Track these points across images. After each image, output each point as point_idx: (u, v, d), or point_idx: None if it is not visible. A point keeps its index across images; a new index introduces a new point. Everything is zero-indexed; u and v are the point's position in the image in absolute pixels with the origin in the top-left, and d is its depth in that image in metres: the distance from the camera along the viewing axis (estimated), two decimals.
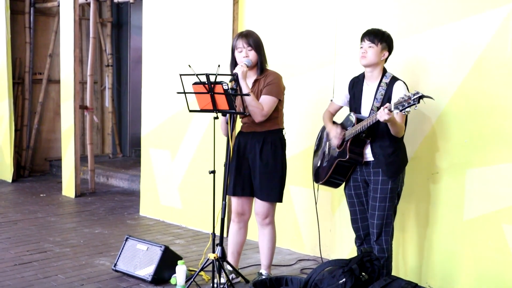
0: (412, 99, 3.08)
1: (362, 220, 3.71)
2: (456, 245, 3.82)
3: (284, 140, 3.88)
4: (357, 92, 3.63)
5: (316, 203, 4.23)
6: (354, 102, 3.64)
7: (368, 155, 3.55)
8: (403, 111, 3.13)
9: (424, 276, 3.97)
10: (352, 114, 3.61)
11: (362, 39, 3.55)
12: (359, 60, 3.56)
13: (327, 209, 4.48)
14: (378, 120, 3.28)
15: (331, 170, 3.64)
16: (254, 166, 3.80)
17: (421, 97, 3.08)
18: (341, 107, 3.82)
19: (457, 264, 3.82)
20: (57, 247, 4.81)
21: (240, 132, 3.83)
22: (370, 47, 3.50)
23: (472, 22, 3.70)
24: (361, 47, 3.54)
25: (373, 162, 3.54)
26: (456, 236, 3.82)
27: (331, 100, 4.33)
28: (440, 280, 3.90)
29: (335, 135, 3.64)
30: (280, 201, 3.86)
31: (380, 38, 3.50)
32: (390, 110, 3.19)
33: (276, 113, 3.80)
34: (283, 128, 3.88)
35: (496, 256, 3.65)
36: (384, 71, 3.56)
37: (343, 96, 3.77)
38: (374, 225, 3.59)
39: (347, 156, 3.51)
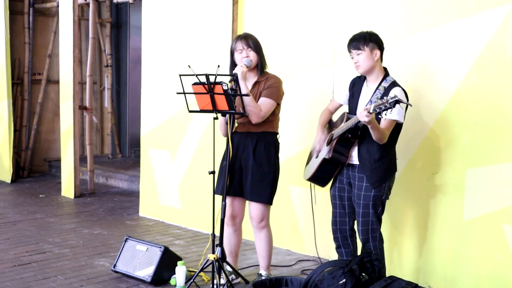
0: (388, 102, 3.02)
1: (340, 223, 3.69)
2: (456, 245, 3.82)
3: (278, 144, 3.87)
4: (356, 92, 3.60)
5: (312, 203, 4.20)
6: (352, 102, 3.61)
7: (354, 158, 3.50)
8: (380, 114, 3.08)
9: (425, 276, 3.97)
10: (345, 113, 3.59)
11: (348, 51, 3.49)
12: (356, 71, 3.52)
13: (326, 209, 4.46)
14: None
15: (316, 167, 3.62)
16: (247, 166, 3.78)
17: (397, 101, 3.00)
18: (341, 105, 3.78)
19: (457, 264, 3.82)
20: (56, 248, 4.80)
21: (234, 132, 3.80)
22: (358, 54, 3.44)
23: (471, 21, 3.70)
24: (352, 58, 3.49)
25: (358, 166, 3.49)
26: (456, 236, 3.81)
27: (330, 101, 4.33)
28: (440, 280, 3.90)
29: (317, 141, 3.69)
30: (270, 203, 3.83)
31: (363, 41, 3.43)
32: (369, 112, 3.12)
33: (273, 117, 3.80)
34: (278, 133, 3.88)
35: (496, 256, 3.64)
36: (386, 75, 3.49)
37: (343, 94, 3.73)
38: (360, 231, 3.56)
39: (330, 155, 3.48)
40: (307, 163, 3.89)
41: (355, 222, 3.69)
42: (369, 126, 3.25)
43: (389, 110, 3.04)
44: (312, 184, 3.92)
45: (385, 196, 3.53)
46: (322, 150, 3.67)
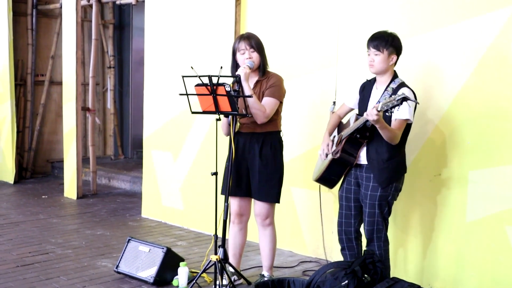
0: (396, 99, 3.04)
1: (346, 225, 3.69)
2: (459, 247, 3.82)
3: (282, 141, 3.89)
4: (366, 95, 3.61)
5: (320, 206, 4.22)
6: (362, 105, 3.62)
7: (362, 158, 3.52)
8: (388, 112, 3.09)
9: (427, 278, 3.97)
10: (355, 114, 3.61)
11: (368, 46, 3.49)
12: (368, 68, 3.52)
13: (329, 210, 4.47)
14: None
15: (324, 168, 3.63)
16: (253, 167, 3.79)
17: (405, 99, 3.03)
18: (352, 109, 3.77)
19: (460, 266, 3.82)
20: (59, 249, 4.81)
21: (238, 132, 3.80)
22: (376, 55, 3.44)
23: (475, 23, 3.70)
24: (368, 55, 3.49)
25: (366, 165, 3.50)
26: (459, 238, 3.81)
27: (333, 102, 4.34)
28: (443, 282, 3.89)
29: (322, 147, 3.70)
30: (278, 201, 3.86)
31: (385, 43, 3.43)
32: (377, 110, 3.13)
33: (276, 116, 3.81)
34: (281, 131, 3.89)
35: (499, 258, 3.64)
36: (395, 76, 3.51)
37: (353, 98, 3.73)
38: (365, 230, 3.58)
39: (338, 155, 3.50)
40: (316, 164, 3.90)
41: (361, 224, 3.70)
42: (377, 126, 3.26)
43: (397, 108, 3.06)
44: (319, 186, 3.92)
45: (391, 197, 3.54)
46: (330, 152, 3.67)
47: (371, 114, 3.17)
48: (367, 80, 3.68)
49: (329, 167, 3.61)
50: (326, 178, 3.69)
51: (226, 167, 3.87)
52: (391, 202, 3.58)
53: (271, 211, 3.87)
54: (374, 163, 3.46)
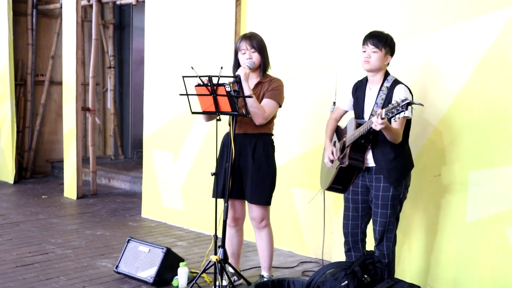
0: (400, 105, 2.99)
1: (352, 227, 3.67)
2: (459, 248, 3.81)
3: (274, 144, 3.88)
4: (360, 96, 3.58)
5: (324, 209, 4.22)
6: (357, 107, 3.60)
7: (370, 160, 3.49)
8: (393, 118, 3.05)
9: (427, 278, 3.96)
10: (353, 119, 3.58)
11: (365, 42, 3.46)
12: (361, 64, 3.48)
13: (329, 211, 4.47)
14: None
15: (333, 177, 3.61)
16: (246, 168, 3.77)
17: (409, 103, 2.98)
18: (346, 111, 3.76)
19: (460, 267, 3.81)
20: (59, 249, 4.81)
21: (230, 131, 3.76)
22: (374, 52, 3.41)
23: (475, 24, 3.70)
24: (364, 51, 3.45)
25: (374, 168, 3.48)
26: (459, 238, 3.81)
27: (334, 103, 4.34)
28: (443, 282, 3.89)
29: (327, 155, 3.66)
30: (270, 204, 3.84)
31: (384, 42, 3.42)
32: (381, 118, 3.09)
33: (272, 119, 3.81)
34: (273, 134, 3.88)
35: (499, 259, 3.64)
36: (387, 75, 3.49)
37: (347, 100, 3.72)
38: (376, 231, 3.55)
39: (347, 163, 3.47)
40: (321, 171, 3.89)
41: (367, 226, 3.69)
42: (382, 130, 3.23)
43: (402, 113, 3.02)
44: (321, 188, 3.91)
45: (402, 195, 3.53)
46: (335, 157, 3.66)
47: (376, 123, 3.12)
48: (358, 81, 3.65)
49: (338, 175, 3.58)
50: (337, 186, 3.66)
51: (218, 168, 3.84)
52: (403, 200, 3.57)
53: (266, 213, 3.86)
54: (382, 165, 3.44)
